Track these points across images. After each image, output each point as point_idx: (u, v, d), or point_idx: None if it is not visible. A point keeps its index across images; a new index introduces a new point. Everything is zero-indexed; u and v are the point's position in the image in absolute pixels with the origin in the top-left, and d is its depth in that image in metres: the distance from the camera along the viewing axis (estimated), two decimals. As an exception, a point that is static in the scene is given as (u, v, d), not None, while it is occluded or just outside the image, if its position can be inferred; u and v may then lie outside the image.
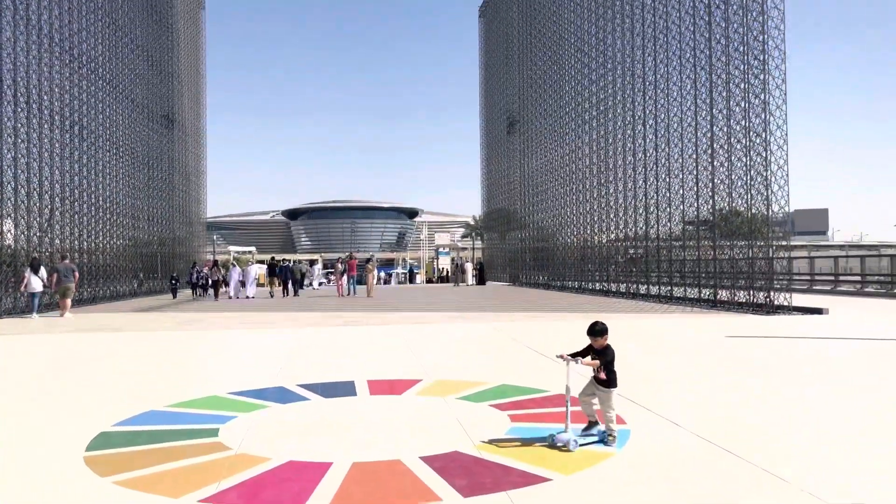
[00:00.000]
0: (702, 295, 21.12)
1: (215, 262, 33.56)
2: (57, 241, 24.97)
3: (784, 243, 18.70)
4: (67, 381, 9.05)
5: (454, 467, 4.85)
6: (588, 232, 30.91)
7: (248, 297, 30.13)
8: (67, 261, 22.07)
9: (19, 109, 22.09)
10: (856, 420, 6.28)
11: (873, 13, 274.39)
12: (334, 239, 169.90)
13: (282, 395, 7.59)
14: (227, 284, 32.34)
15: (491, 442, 5.51)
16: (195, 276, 32.51)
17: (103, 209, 29.77)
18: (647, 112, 24.28)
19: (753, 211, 17.75)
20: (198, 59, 47.39)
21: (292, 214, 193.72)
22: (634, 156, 25.45)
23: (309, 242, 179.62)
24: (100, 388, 8.50)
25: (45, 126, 23.93)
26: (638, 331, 14.49)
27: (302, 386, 8.07)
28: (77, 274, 21.64)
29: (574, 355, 5.39)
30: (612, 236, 28.42)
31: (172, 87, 40.26)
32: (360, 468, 4.89)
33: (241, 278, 31.70)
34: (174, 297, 31.30)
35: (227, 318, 19.42)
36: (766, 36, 17.20)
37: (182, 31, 42.74)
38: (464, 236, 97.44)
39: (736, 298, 19.17)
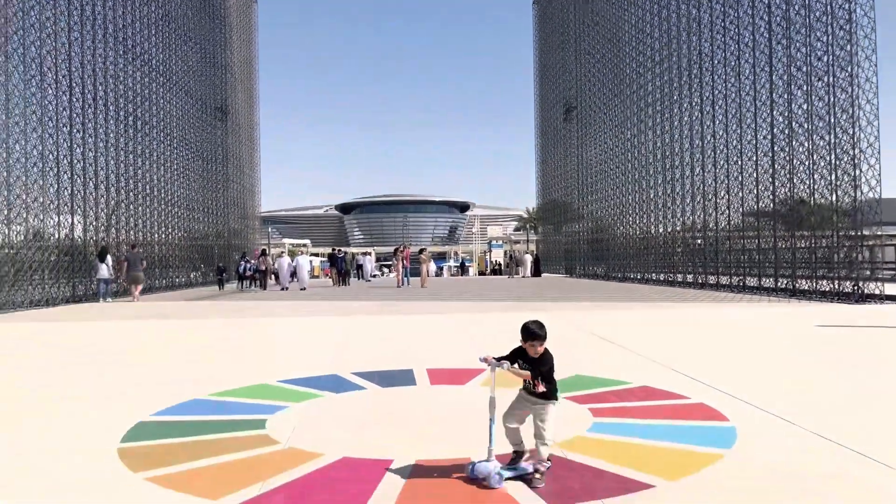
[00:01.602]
0: (778, 284, 19.78)
1: (263, 252, 33.01)
2: (113, 232, 25.07)
3: (877, 232, 17.10)
4: (110, 368, 8.62)
5: (536, 469, 4.12)
6: (651, 220, 29.60)
7: (301, 290, 29.84)
8: (136, 249, 22.90)
9: (74, 99, 22.09)
10: None
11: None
12: (387, 233, 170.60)
13: (336, 384, 6.98)
14: (276, 276, 31.76)
15: (575, 440, 4.77)
16: (243, 266, 31.93)
17: (159, 200, 29.85)
18: (717, 93, 22.85)
19: (840, 193, 16.32)
20: (250, 53, 47.44)
21: (345, 209, 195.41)
22: (703, 139, 24.02)
23: (362, 236, 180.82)
24: (143, 375, 8.03)
25: (101, 116, 23.92)
26: (719, 320, 13.64)
27: (357, 374, 7.44)
28: (144, 263, 23.00)
29: (500, 359, 4.14)
30: (678, 226, 27.06)
31: (225, 79, 40.25)
32: (424, 467, 4.23)
33: (292, 269, 31.34)
34: (221, 288, 31.09)
35: (279, 307, 19.06)
36: (852, 4, 15.80)
37: (235, 24, 42.75)
38: (516, 229, 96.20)
39: (819, 287, 17.80)
